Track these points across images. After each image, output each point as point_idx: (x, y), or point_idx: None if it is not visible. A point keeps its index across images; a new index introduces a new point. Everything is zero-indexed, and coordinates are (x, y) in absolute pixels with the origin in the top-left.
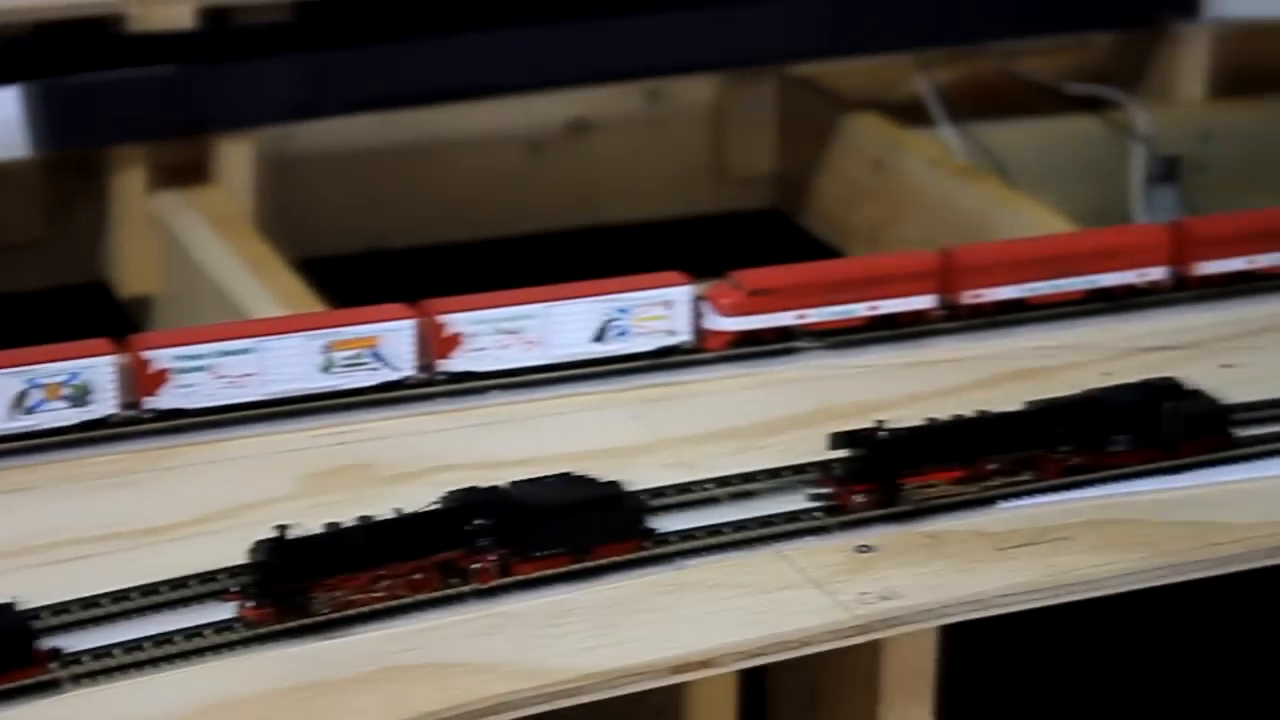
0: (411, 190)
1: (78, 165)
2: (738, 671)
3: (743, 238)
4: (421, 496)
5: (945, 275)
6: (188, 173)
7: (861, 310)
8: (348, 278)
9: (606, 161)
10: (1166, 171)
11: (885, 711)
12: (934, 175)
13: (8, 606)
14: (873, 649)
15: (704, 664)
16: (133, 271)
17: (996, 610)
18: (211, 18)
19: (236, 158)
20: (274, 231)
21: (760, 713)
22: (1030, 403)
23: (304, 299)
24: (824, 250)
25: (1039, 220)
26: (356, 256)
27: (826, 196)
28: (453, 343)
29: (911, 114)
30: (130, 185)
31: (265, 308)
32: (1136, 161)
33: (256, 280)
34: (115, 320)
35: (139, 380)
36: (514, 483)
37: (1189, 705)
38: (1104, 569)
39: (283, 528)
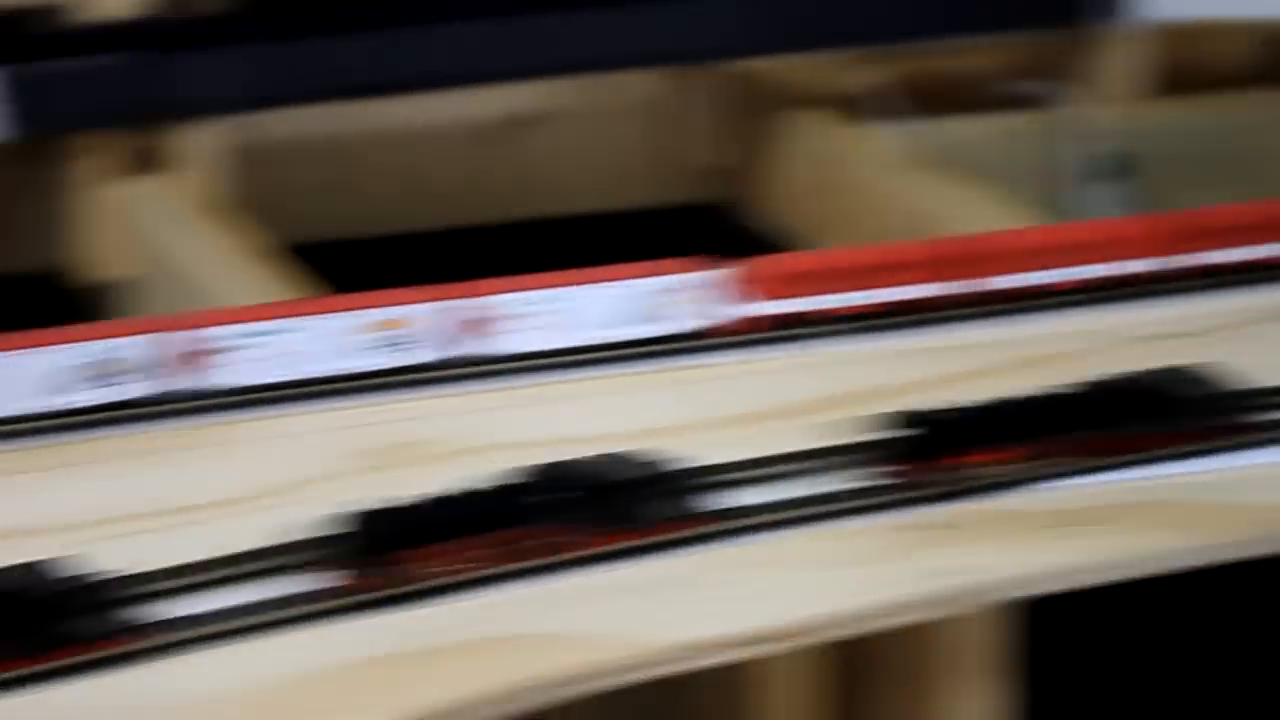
0: (378, 178)
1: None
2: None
3: (684, 232)
4: (481, 473)
5: (966, 263)
6: (152, 161)
7: (882, 296)
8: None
9: (546, 155)
10: (1112, 169)
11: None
12: (879, 172)
13: None
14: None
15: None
16: (94, 259)
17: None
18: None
19: (202, 145)
20: (249, 218)
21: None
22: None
23: (282, 286)
24: (768, 247)
25: (991, 215)
26: (316, 245)
27: (769, 192)
28: (487, 324)
29: (854, 110)
30: (93, 173)
31: (246, 295)
32: (1076, 159)
33: (238, 267)
34: (71, 309)
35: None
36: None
37: None
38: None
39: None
